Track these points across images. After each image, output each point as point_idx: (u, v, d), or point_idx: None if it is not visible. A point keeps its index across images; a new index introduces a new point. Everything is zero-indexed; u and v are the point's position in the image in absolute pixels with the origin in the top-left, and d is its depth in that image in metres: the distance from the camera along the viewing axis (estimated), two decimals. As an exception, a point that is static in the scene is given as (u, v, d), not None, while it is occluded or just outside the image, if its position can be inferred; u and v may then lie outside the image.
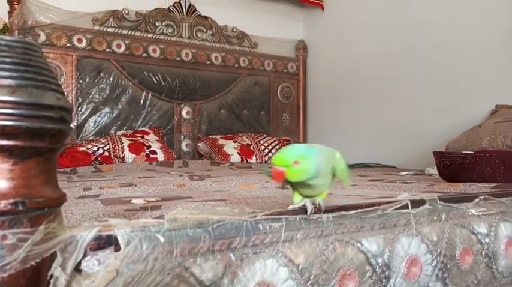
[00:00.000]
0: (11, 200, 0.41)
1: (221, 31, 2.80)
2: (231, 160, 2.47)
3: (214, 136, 2.67)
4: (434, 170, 1.66)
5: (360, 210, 0.68)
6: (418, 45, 2.41)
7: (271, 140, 2.72)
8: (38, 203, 0.42)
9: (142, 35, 2.56)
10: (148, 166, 2.16)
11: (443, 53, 2.29)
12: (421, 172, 1.89)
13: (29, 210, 0.42)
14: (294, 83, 3.04)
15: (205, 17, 2.75)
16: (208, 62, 2.75)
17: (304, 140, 3.08)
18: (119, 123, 2.48)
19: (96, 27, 2.43)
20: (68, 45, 2.34)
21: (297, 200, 0.66)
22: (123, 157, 2.21)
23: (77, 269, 0.47)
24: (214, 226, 0.56)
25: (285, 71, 3.00)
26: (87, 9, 2.42)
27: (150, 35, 2.58)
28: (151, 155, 2.31)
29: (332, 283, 0.63)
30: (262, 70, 2.92)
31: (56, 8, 2.33)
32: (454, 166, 1.24)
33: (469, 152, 1.34)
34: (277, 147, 2.67)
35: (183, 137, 2.69)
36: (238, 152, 2.53)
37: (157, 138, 2.45)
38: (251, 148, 2.61)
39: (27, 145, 0.42)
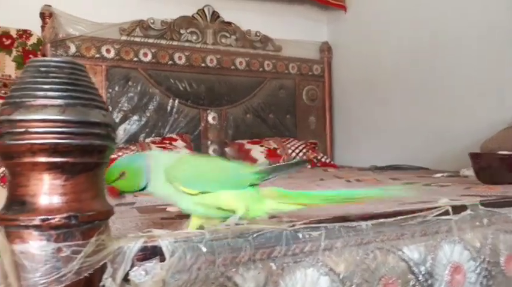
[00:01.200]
0: (65, 215, 0.42)
1: (245, 36, 2.82)
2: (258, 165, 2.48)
3: (240, 141, 2.68)
4: (469, 172, 1.60)
5: (399, 217, 0.66)
6: (446, 42, 2.35)
7: (298, 144, 2.71)
8: (89, 216, 0.44)
9: (167, 43, 2.61)
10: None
11: (473, 49, 2.22)
12: (455, 173, 1.83)
13: (81, 224, 0.43)
14: (319, 85, 3.02)
15: (229, 23, 2.77)
16: (232, 67, 2.77)
17: (332, 143, 3.05)
18: (147, 130, 2.53)
19: (124, 37, 2.49)
20: (97, 55, 2.41)
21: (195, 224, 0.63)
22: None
23: (125, 279, 0.49)
24: (254, 235, 0.56)
25: (309, 73, 2.98)
26: (114, 20, 2.48)
27: (175, 43, 2.63)
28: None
29: (374, 292, 0.62)
30: (287, 73, 2.91)
31: (85, 20, 2.41)
32: (491, 167, 1.20)
33: (507, 152, 1.29)
34: (304, 150, 2.66)
35: (210, 142, 2.71)
36: (265, 156, 2.53)
37: (185, 144, 2.48)
38: (278, 151, 2.60)
39: (78, 161, 0.44)
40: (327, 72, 3.03)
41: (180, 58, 2.63)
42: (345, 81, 3.02)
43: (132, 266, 0.49)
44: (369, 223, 0.64)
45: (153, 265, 0.50)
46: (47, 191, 0.43)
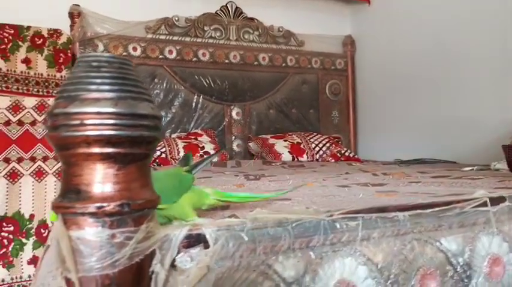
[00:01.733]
0: (118, 202, 0.44)
1: (267, 31, 2.82)
2: (282, 159, 2.49)
3: (264, 136, 2.69)
4: (501, 165, 1.57)
5: (437, 209, 0.66)
6: (473, 33, 2.29)
7: (322, 138, 2.70)
8: (139, 204, 0.46)
9: (192, 40, 2.64)
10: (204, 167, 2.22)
11: (502, 39, 2.15)
12: (486, 167, 1.79)
13: (133, 211, 0.45)
14: (342, 80, 2.99)
15: (252, 19, 2.78)
16: (256, 63, 2.77)
17: (355, 137, 3.02)
18: (173, 126, 2.57)
19: (149, 35, 2.54)
20: (124, 53, 2.47)
21: None
22: (179, 159, 2.29)
23: (172, 265, 0.51)
24: (293, 225, 0.58)
25: (332, 67, 2.96)
26: (140, 18, 2.53)
27: (199, 40, 2.66)
28: (205, 156, 2.37)
29: (412, 283, 0.62)
30: (310, 68, 2.90)
31: (112, 19, 2.46)
32: (527, 159, 1.17)
33: (543, 144, 1.26)
34: (327, 145, 2.65)
35: (234, 137, 2.74)
36: (289, 151, 2.54)
37: (209, 139, 2.51)
38: (301, 146, 2.60)
39: (128, 152, 0.46)
40: (350, 66, 3.00)
41: (204, 55, 2.65)
42: (369, 75, 2.98)
43: (178, 252, 0.51)
44: (406, 214, 0.64)
45: (197, 251, 0.52)
46: (101, 180, 0.45)
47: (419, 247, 0.64)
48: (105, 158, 0.45)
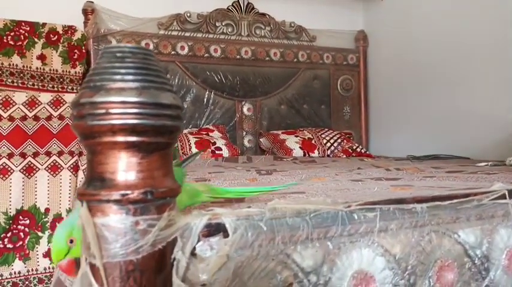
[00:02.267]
0: (142, 190, 0.45)
1: (279, 27, 2.82)
2: (293, 155, 2.49)
3: (275, 131, 2.70)
4: (517, 160, 1.54)
5: (455, 201, 0.66)
6: (486, 29, 2.25)
7: (333, 134, 2.69)
8: (162, 193, 0.47)
9: (203, 35, 2.65)
10: (215, 162, 2.24)
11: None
12: (501, 162, 1.77)
13: (156, 199, 0.46)
14: (354, 75, 2.98)
15: (263, 14, 2.78)
16: (267, 59, 2.77)
17: (367, 133, 3.01)
18: (184, 121, 2.59)
19: (162, 32, 2.55)
20: (137, 50, 2.48)
21: None
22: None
23: (192, 253, 0.51)
24: (311, 215, 0.58)
25: (344, 63, 2.95)
26: (153, 15, 2.55)
27: (211, 36, 2.66)
28: (216, 152, 2.39)
29: (430, 274, 0.62)
30: (322, 63, 2.89)
31: (125, 15, 2.48)
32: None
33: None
34: (339, 140, 2.64)
35: (245, 133, 2.74)
36: (300, 147, 2.54)
37: (221, 135, 2.52)
38: (313, 142, 2.60)
39: (152, 141, 0.47)
40: (363, 62, 2.98)
41: (215, 50, 2.66)
42: (381, 71, 2.96)
43: (198, 241, 0.52)
44: (424, 205, 0.64)
45: (217, 240, 0.52)
46: (125, 169, 0.46)
47: (437, 239, 0.64)
48: (129, 146, 0.46)
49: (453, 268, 0.63)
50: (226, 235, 0.53)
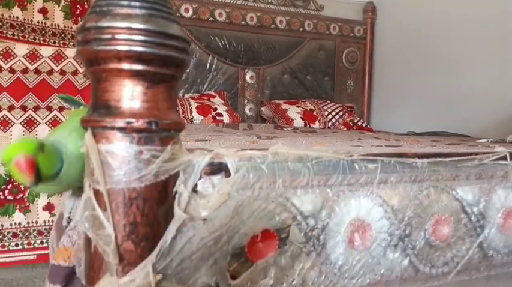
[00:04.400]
0: (147, 120, 0.45)
1: (286, -6, 2.75)
2: (294, 125, 2.48)
3: (277, 101, 2.68)
4: (518, 137, 1.55)
5: (456, 158, 0.66)
6: (495, 5, 2.20)
7: (335, 106, 2.68)
8: (167, 124, 0.47)
9: (209, -1, 2.58)
10: (215, 127, 2.24)
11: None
12: (501, 140, 1.77)
13: (160, 130, 0.46)
14: (360, 48, 2.93)
15: (271, -20, 2.71)
16: (272, 26, 2.72)
17: (369, 107, 2.99)
18: (186, 86, 2.57)
19: (166, -8, 2.49)
20: (141, 9, 2.43)
21: None
22: (192, 119, 2.30)
23: (194, 190, 0.52)
24: (313, 162, 0.58)
25: (351, 35, 2.89)
26: (158, -26, 2.47)
27: (216, -1, 2.60)
28: (217, 117, 2.38)
29: (426, 227, 0.63)
30: (328, 34, 2.84)
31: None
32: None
33: None
34: (340, 113, 2.63)
35: (246, 101, 2.73)
36: (301, 117, 2.53)
37: (222, 101, 2.51)
38: (314, 113, 2.59)
39: (158, 71, 0.46)
40: (369, 34, 2.93)
41: (220, 15, 2.61)
42: (387, 45, 2.91)
43: (200, 178, 0.52)
44: (425, 160, 0.64)
45: (219, 179, 0.53)
46: (130, 97, 0.45)
47: (436, 194, 0.64)
48: (134, 75, 0.45)
49: (449, 222, 0.64)
50: (228, 175, 0.54)
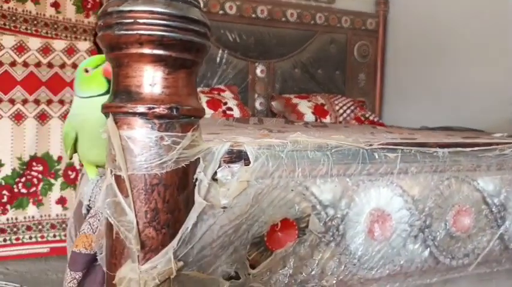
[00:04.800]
0: (168, 105, 0.45)
1: (297, -13, 2.72)
2: (305, 119, 2.47)
3: (288, 95, 2.66)
4: (535, 131, 1.52)
5: (477, 148, 0.65)
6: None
7: (346, 101, 2.65)
8: (188, 110, 0.46)
9: (219, -9, 2.57)
10: (226, 122, 2.23)
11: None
12: (517, 134, 1.74)
13: (181, 116, 0.46)
14: (372, 41, 2.89)
15: (282, -28, 2.68)
16: (283, 19, 2.70)
17: (381, 102, 2.96)
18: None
19: (177, -15, 2.48)
20: (151, 3, 2.42)
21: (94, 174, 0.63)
22: None
23: (213, 178, 0.52)
24: (333, 151, 0.57)
25: (363, 28, 2.86)
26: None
27: (227, -8, 2.59)
28: (227, 112, 2.37)
29: (447, 218, 0.62)
30: (339, 27, 2.81)
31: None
32: None
33: None
34: (352, 107, 2.61)
35: (257, 95, 2.72)
36: (312, 112, 2.51)
37: (232, 95, 2.50)
38: (325, 107, 2.57)
39: (179, 57, 0.46)
40: (382, 28, 2.89)
41: (231, 8, 2.59)
42: (400, 38, 2.87)
43: (219, 166, 0.52)
44: (446, 150, 0.63)
45: (238, 167, 0.52)
46: (151, 83, 0.45)
47: (456, 185, 0.63)
48: (156, 60, 0.45)
49: (470, 213, 0.63)
50: (247, 163, 0.53)
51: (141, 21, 0.43)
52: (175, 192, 0.46)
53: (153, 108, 0.44)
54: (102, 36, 0.45)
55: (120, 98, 0.45)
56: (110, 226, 0.45)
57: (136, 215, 0.44)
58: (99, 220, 0.56)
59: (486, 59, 2.33)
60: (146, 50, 0.44)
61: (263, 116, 2.67)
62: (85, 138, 0.63)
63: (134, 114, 0.44)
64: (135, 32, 0.43)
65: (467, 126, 2.32)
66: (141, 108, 0.44)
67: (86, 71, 0.62)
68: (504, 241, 0.67)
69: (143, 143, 0.44)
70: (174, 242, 0.45)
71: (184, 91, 0.47)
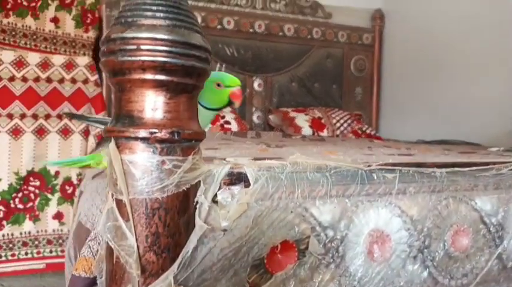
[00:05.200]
0: (169, 130, 0.45)
1: (294, 1, 2.76)
2: (302, 133, 2.48)
3: (285, 109, 2.68)
4: (530, 146, 1.53)
5: (474, 168, 0.66)
6: (508, 14, 2.20)
7: (343, 114, 2.67)
8: (189, 134, 0.47)
9: (217, 7, 2.60)
10: (223, 136, 2.24)
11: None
12: (513, 148, 1.75)
13: (182, 140, 0.46)
14: (368, 56, 2.93)
15: (279, -12, 2.72)
16: (280, 34, 2.73)
17: (377, 115, 2.98)
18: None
19: (175, 1, 2.51)
20: (150, 18, 2.45)
21: None
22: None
23: (213, 201, 0.52)
24: (332, 172, 0.58)
25: (359, 42, 2.90)
26: (167, -17, 2.50)
27: (224, 7, 2.62)
28: (225, 125, 2.38)
29: (445, 238, 0.62)
30: (336, 42, 2.84)
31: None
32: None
33: None
34: (349, 121, 2.62)
35: (254, 109, 2.73)
36: (309, 125, 2.53)
37: (230, 109, 2.51)
38: (322, 121, 2.59)
39: (180, 81, 0.46)
40: (378, 42, 2.93)
41: (228, 23, 2.62)
42: (396, 52, 2.91)
43: (220, 188, 0.52)
44: (443, 170, 0.64)
45: (238, 189, 0.53)
46: (153, 107, 0.45)
47: (454, 204, 0.64)
48: (158, 85, 0.45)
49: (468, 233, 0.63)
50: (247, 185, 0.53)
51: (144, 47, 0.44)
52: (176, 216, 0.46)
53: (155, 133, 0.45)
54: (105, 62, 0.46)
55: (123, 122, 0.46)
56: (110, 250, 0.45)
57: (137, 240, 0.44)
58: (99, 243, 0.56)
59: (484, 73, 2.36)
60: (148, 76, 0.45)
61: (261, 130, 2.68)
62: None
63: (136, 138, 0.45)
64: (138, 58, 0.44)
65: (464, 140, 2.34)
66: (143, 133, 0.44)
67: (218, 85, 0.67)
68: (502, 260, 0.67)
69: (144, 167, 0.45)
70: (175, 267, 0.45)
71: (186, 115, 0.47)
